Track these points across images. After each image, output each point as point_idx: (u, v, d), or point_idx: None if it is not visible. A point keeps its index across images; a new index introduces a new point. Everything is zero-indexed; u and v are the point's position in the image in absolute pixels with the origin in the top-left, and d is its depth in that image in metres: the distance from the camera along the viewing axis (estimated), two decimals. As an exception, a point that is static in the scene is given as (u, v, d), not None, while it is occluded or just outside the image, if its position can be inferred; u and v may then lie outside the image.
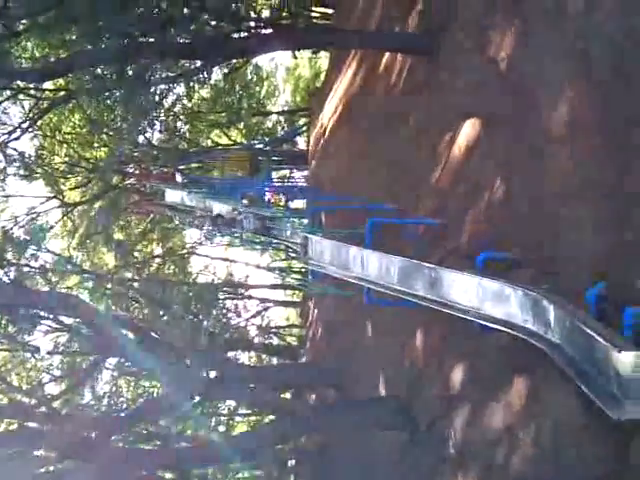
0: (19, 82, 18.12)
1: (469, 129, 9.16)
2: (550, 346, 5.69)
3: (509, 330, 6.33)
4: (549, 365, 5.79)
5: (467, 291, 7.16)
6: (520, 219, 7.38)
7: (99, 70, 14.38)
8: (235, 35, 15.73)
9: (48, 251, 26.97)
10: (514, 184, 7.72)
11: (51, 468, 14.69)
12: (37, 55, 18.69)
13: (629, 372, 4.66)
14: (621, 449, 5.04)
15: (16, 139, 22.47)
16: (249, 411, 28.13)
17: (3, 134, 23.14)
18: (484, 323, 6.82)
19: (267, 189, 19.11)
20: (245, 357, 33.70)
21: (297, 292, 37.77)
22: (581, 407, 5.55)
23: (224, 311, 33.00)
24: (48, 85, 21.81)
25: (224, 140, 33.99)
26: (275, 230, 13.28)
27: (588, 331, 5.08)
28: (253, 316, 36.12)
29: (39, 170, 25.50)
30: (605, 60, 5.94)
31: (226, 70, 26.96)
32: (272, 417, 19.67)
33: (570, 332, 5.41)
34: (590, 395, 5.01)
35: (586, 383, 5.12)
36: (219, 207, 16.15)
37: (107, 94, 16.56)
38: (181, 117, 30.36)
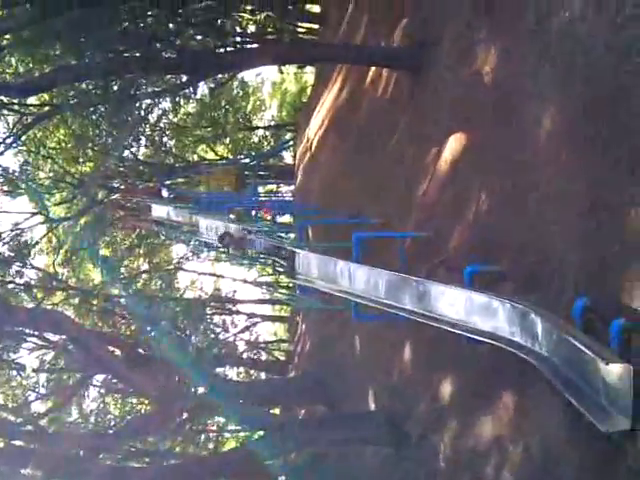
0: (3, 97, 18.06)
1: (454, 143, 9.20)
2: (538, 359, 5.68)
3: (497, 343, 6.31)
4: (537, 378, 5.78)
5: (455, 304, 7.15)
6: (506, 232, 7.40)
7: (84, 85, 14.36)
8: (221, 50, 15.76)
9: (32, 267, 26.83)
10: (499, 198, 7.74)
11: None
12: (21, 70, 18.63)
13: (617, 384, 4.65)
14: (610, 461, 5.04)
15: (0, 154, 22.33)
16: (238, 427, 27.97)
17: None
18: (472, 336, 6.81)
19: (260, 205, 19.06)
20: (234, 372, 33.58)
21: (285, 307, 37.72)
22: (570, 419, 5.55)
23: (212, 326, 32.93)
24: (32, 100, 21.74)
25: (210, 155, 34.01)
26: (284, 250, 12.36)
27: (575, 343, 5.07)
28: (241, 331, 36.04)
29: (23, 185, 25.35)
30: (588, 74, 5.98)
31: (212, 85, 27.04)
32: (261, 433, 19.55)
33: (557, 345, 5.40)
34: (578, 407, 5.00)
35: (574, 395, 5.11)
36: (205, 223, 16.10)
37: (92, 109, 16.54)
38: (167, 132, 30.36)
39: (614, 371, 4.66)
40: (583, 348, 4.97)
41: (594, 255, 5.56)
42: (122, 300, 29.16)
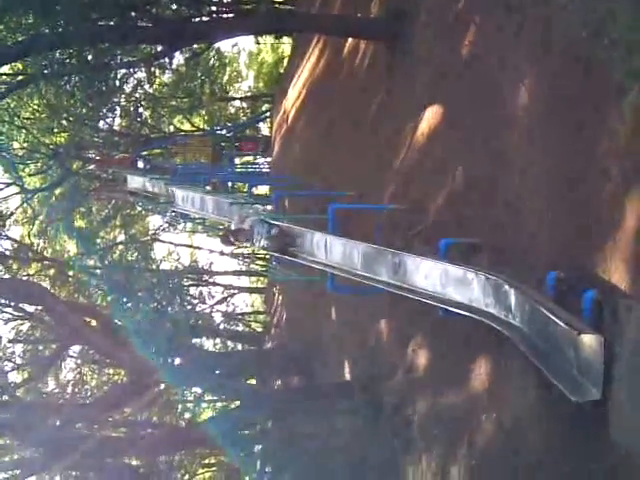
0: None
1: (431, 116, 9.21)
2: (511, 329, 5.77)
3: (471, 314, 6.40)
4: (511, 348, 5.88)
5: (430, 276, 7.22)
6: (482, 204, 7.45)
7: (58, 54, 14.13)
8: (197, 19, 15.56)
9: (7, 238, 26.60)
10: (475, 171, 7.78)
11: (15, 457, 14.54)
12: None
13: (588, 355, 4.75)
14: (580, 430, 5.15)
15: (-27, 125, 22.01)
16: (215, 397, 28.11)
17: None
18: (447, 307, 6.89)
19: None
20: (210, 344, 33.63)
21: (262, 278, 37.77)
22: (542, 389, 5.65)
23: (188, 298, 32.90)
24: (5, 69, 21.34)
25: (186, 126, 33.75)
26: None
27: (548, 314, 5.15)
28: (218, 302, 36.06)
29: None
30: (564, 49, 6.00)
31: (188, 55, 26.69)
32: (237, 403, 19.69)
33: (530, 316, 5.48)
34: (550, 377, 5.10)
35: (546, 366, 5.20)
36: (181, 194, 16.02)
37: (66, 79, 16.28)
38: (142, 102, 30.01)
39: (586, 342, 4.75)
40: (555, 319, 5.05)
41: (567, 228, 5.63)
42: (98, 271, 29.03)
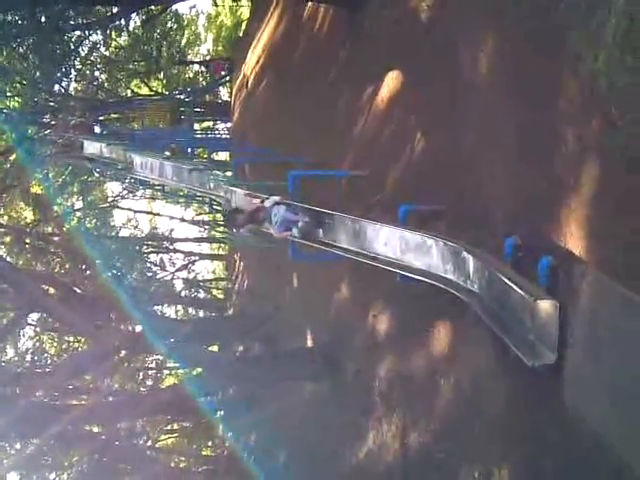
0: None
1: (391, 81, 9.16)
2: (470, 295, 5.83)
3: (430, 280, 6.45)
4: (469, 314, 5.95)
5: (389, 243, 7.25)
6: (441, 171, 7.47)
7: (9, 16, 13.73)
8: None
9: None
10: (435, 136, 7.79)
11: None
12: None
13: (544, 320, 4.83)
14: (536, 393, 5.25)
15: None
16: (176, 364, 28.08)
17: None
18: (406, 274, 6.92)
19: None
20: (172, 311, 33.52)
21: (223, 245, 37.62)
22: (499, 354, 5.73)
23: (148, 265, 32.67)
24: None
25: (144, 90, 33.15)
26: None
27: (505, 280, 5.22)
28: (179, 270, 35.86)
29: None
30: (525, 9, 5.98)
31: (144, 17, 26.09)
32: (199, 370, 19.72)
33: (488, 282, 5.55)
34: (508, 342, 5.18)
35: (503, 331, 5.28)
36: (140, 160, 15.79)
37: (19, 41, 15.84)
38: (98, 66, 29.33)
39: (542, 307, 4.83)
40: (512, 285, 5.12)
41: (525, 194, 5.68)
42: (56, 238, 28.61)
